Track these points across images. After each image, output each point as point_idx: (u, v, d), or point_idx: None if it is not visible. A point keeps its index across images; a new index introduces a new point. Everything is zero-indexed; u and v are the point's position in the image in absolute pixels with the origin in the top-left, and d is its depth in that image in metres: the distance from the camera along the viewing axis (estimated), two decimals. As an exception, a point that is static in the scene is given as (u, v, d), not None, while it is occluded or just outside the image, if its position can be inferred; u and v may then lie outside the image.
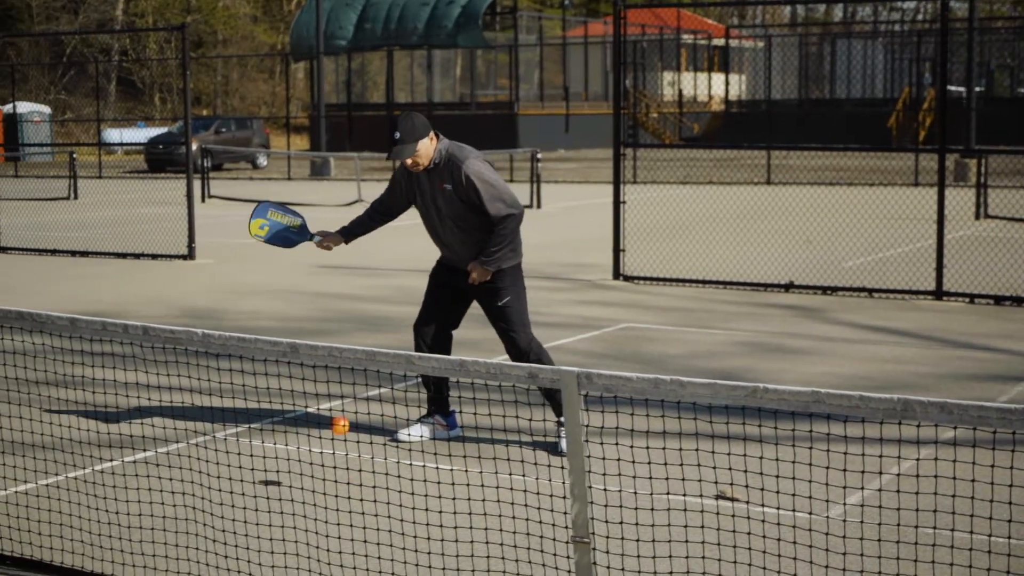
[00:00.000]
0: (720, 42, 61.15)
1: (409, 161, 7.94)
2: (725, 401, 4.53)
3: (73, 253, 19.67)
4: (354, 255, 19.25)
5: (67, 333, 5.76)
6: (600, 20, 65.66)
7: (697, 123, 56.97)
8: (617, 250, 16.09)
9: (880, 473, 5.30)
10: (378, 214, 8.45)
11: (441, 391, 8.22)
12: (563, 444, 7.88)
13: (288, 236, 8.26)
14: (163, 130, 49.47)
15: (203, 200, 30.00)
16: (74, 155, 32.82)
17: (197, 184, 27.97)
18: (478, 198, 7.90)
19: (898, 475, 5.82)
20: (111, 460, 7.47)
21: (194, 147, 33.01)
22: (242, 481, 6.30)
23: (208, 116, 54.90)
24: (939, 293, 14.34)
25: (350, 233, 8.39)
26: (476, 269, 8.02)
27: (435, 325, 8.24)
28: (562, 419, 7.97)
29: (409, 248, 19.48)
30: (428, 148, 7.92)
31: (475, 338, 11.03)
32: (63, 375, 7.25)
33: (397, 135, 7.89)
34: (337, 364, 5.20)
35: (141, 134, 50.31)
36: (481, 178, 7.91)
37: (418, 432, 8.17)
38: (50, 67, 60.43)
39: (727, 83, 53.78)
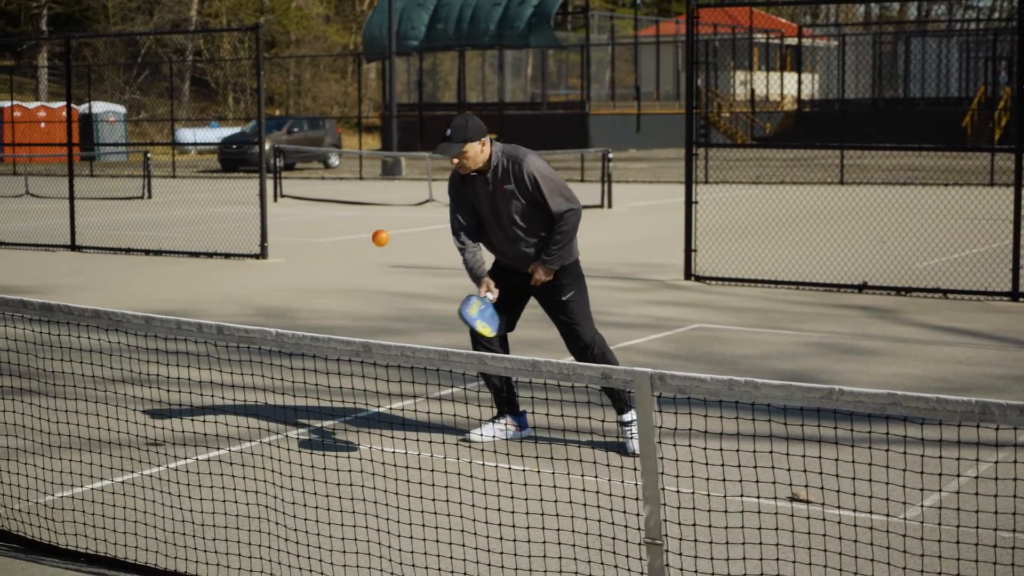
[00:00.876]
0: (793, 41, 60.78)
1: (455, 160, 7.96)
2: (800, 403, 4.49)
3: (147, 252, 19.85)
4: (426, 255, 19.30)
5: (142, 332, 5.81)
6: (672, 19, 65.46)
7: (769, 123, 56.65)
8: (689, 250, 16.02)
9: (957, 476, 5.24)
10: (474, 237, 8.25)
11: (508, 391, 8.21)
12: (633, 444, 7.86)
13: (492, 312, 8.17)
14: (236, 130, 49.87)
15: (275, 199, 30.21)
16: (148, 155, 33.16)
17: (270, 184, 28.19)
18: (540, 194, 7.94)
19: (976, 477, 5.75)
20: (185, 458, 7.53)
21: (267, 147, 33.23)
22: (314, 480, 6.33)
23: (281, 116, 55.29)
24: (1015, 294, 14.16)
25: (485, 272, 8.23)
26: (538, 269, 8.03)
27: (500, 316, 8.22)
28: (624, 418, 7.97)
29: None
30: (476, 151, 7.95)
31: (542, 338, 11.02)
32: (138, 373, 7.31)
33: (448, 132, 7.93)
34: (410, 364, 5.20)
35: (214, 134, 50.74)
36: (542, 174, 7.96)
37: (490, 432, 8.17)
38: (125, 67, 61.08)
39: (799, 82, 53.44)
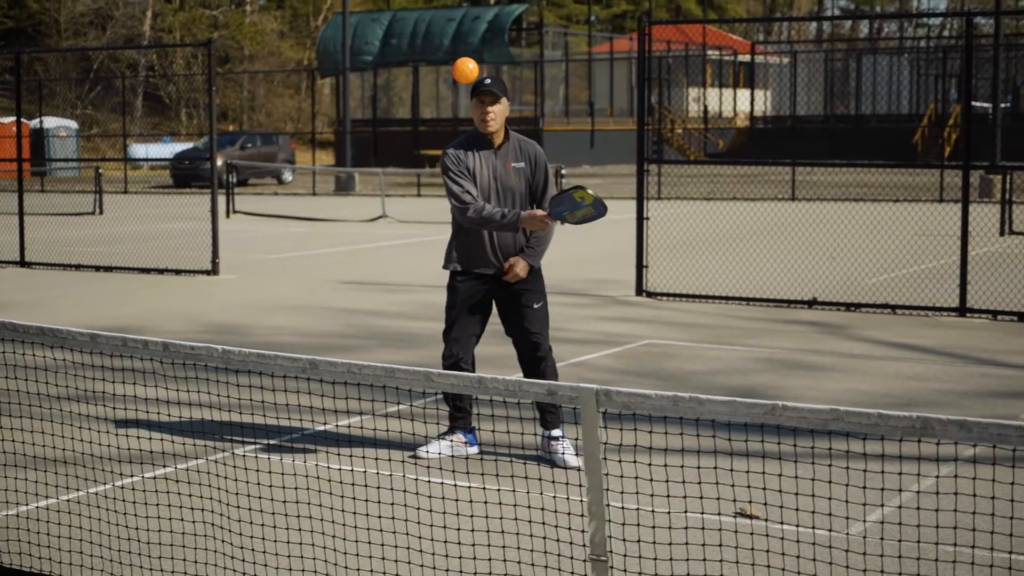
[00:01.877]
0: (745, 58, 61.14)
1: (489, 110, 7.94)
2: (744, 418, 4.52)
3: (97, 268, 19.74)
4: (378, 272, 19.29)
5: (88, 349, 5.78)
6: (626, 36, 65.72)
7: (722, 139, 56.93)
8: (640, 266, 16.07)
9: (900, 491, 5.28)
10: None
11: (466, 407, 8.21)
12: (567, 457, 7.92)
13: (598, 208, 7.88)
14: (189, 145, 49.67)
15: (228, 215, 30.10)
16: (100, 170, 32.99)
17: (222, 199, 28.10)
18: (545, 179, 8.09)
19: (918, 492, 5.80)
20: (131, 476, 7.49)
21: (219, 162, 33.13)
22: (260, 498, 6.31)
23: (234, 131, 55.07)
24: (962, 310, 14.29)
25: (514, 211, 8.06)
26: (520, 263, 8.05)
27: (470, 337, 8.22)
28: (553, 433, 8.01)
29: (432, 263, 19.48)
30: (505, 108, 8.04)
31: (492, 355, 11.03)
32: (84, 390, 7.29)
33: (488, 81, 7.94)
34: (356, 381, 5.20)
35: (167, 149, 50.53)
36: (548, 164, 8.18)
37: (436, 449, 8.16)
38: (77, 82, 60.76)
39: (752, 99, 53.72)
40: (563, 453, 7.99)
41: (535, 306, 8.13)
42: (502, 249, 8.11)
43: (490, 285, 8.18)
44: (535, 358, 8.14)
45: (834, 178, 40.95)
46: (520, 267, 8.04)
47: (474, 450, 8.24)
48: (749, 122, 56.70)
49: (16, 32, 65.11)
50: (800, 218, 24.52)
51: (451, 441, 8.22)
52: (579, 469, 7.60)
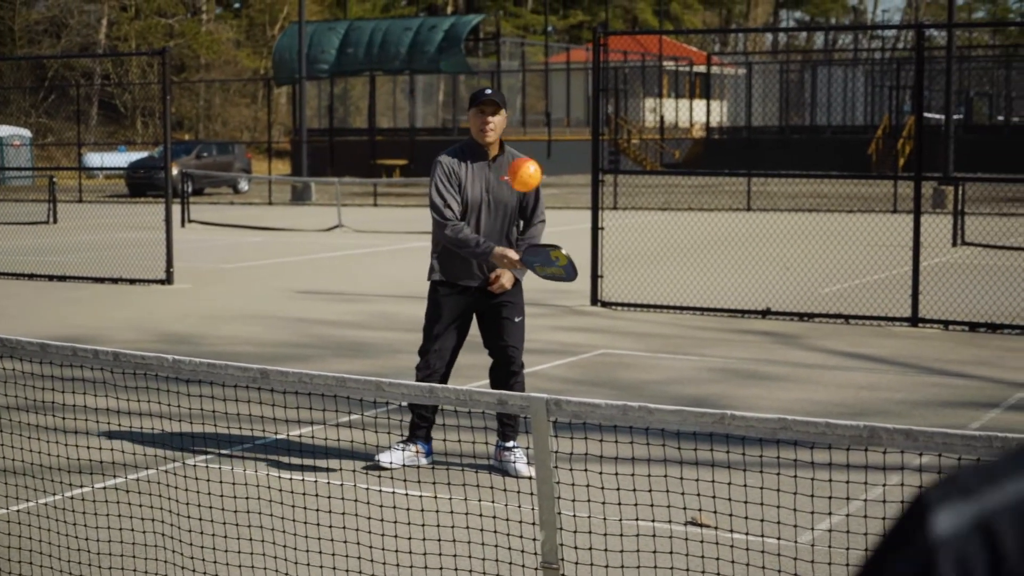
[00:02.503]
0: (702, 69, 61.40)
1: (490, 120, 7.94)
2: (693, 428, 4.55)
3: (51, 277, 19.63)
4: (334, 281, 19.25)
5: (37, 358, 5.76)
6: (583, 47, 65.86)
7: (678, 150, 57.12)
8: (595, 276, 16.11)
9: (848, 499, 5.33)
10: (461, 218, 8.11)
11: (429, 417, 8.17)
12: (518, 466, 7.95)
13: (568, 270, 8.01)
14: (144, 154, 49.44)
15: (183, 225, 29.98)
16: (54, 179, 32.79)
17: (177, 209, 27.98)
18: (536, 196, 8.13)
19: (866, 501, 5.84)
20: (81, 486, 7.45)
21: (175, 171, 32.99)
22: (211, 508, 6.30)
23: (190, 140, 54.90)
24: (914, 320, 14.40)
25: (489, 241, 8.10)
26: (506, 275, 8.05)
27: (449, 350, 8.18)
28: (508, 444, 8.04)
29: (388, 273, 19.49)
30: (503, 121, 8.06)
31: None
32: (34, 400, 7.24)
33: (488, 91, 7.98)
34: (308, 390, 5.21)
35: (122, 158, 50.28)
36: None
37: (397, 458, 8.12)
38: (31, 90, 60.38)
39: (708, 110, 53.99)
40: (515, 462, 8.02)
41: (516, 319, 8.15)
42: (488, 262, 8.09)
43: (473, 297, 8.16)
44: (508, 372, 8.15)
45: (789, 189, 41.18)
46: (506, 278, 8.05)
47: (427, 461, 8.24)
48: (705, 133, 56.96)
49: (-31, 40, 64.67)
50: (755, 228, 24.66)
51: (412, 451, 8.21)
52: (531, 478, 7.62)
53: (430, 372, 8.08)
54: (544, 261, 7.82)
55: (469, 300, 8.16)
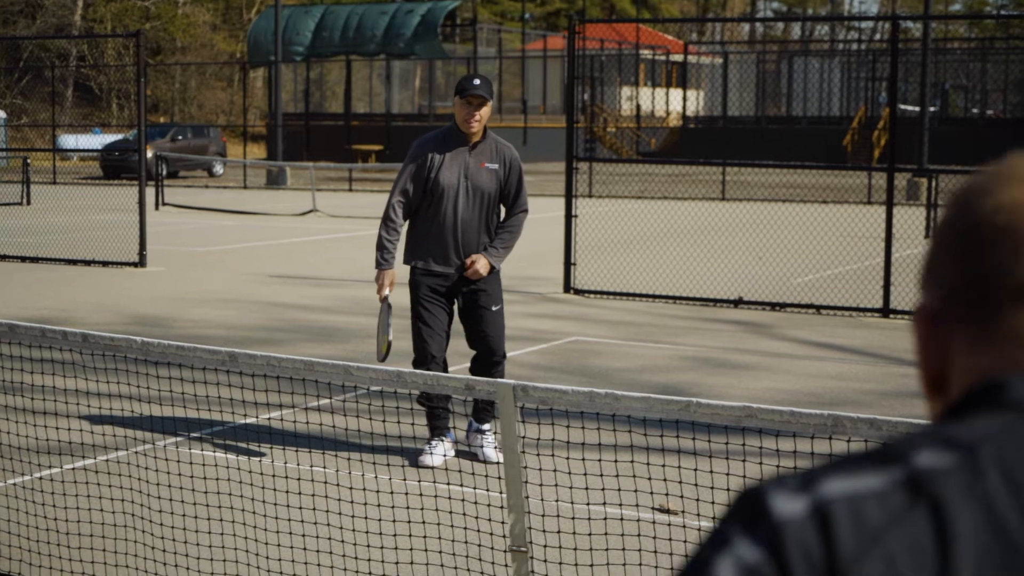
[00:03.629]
0: (679, 58, 61.45)
1: (476, 113, 7.95)
2: (659, 415, 4.58)
3: (23, 259, 19.57)
4: (307, 265, 19.24)
5: (6, 339, 5.76)
6: (560, 34, 65.81)
7: (654, 138, 57.17)
8: (568, 263, 16.14)
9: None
10: (402, 221, 8.13)
11: (446, 409, 8.07)
12: (487, 451, 7.98)
13: (388, 322, 8.23)
14: (119, 136, 49.26)
15: (157, 207, 29.90)
16: (28, 160, 32.66)
17: (151, 191, 27.90)
18: (518, 184, 8.12)
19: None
20: (50, 467, 7.45)
21: (149, 154, 32.88)
22: (181, 488, 6.32)
23: (165, 123, 54.70)
24: (886, 311, 14.48)
25: (393, 262, 8.17)
26: (481, 260, 7.99)
27: (440, 332, 8.09)
28: (483, 427, 8.07)
29: (363, 258, 19.46)
30: (489, 112, 8.10)
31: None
32: (2, 381, 7.24)
33: (477, 81, 7.96)
34: (276, 373, 5.23)
35: (97, 140, 50.08)
36: (521, 167, 8.22)
37: (440, 452, 8.05)
38: (6, 71, 60.07)
39: (685, 99, 54.05)
40: (483, 447, 8.05)
41: (493, 308, 8.12)
42: (464, 248, 8.04)
43: (451, 283, 8.11)
44: (490, 362, 8.12)
45: (764, 179, 41.27)
46: (481, 264, 7.97)
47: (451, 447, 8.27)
48: (681, 122, 57.01)
49: (-56, 19, 64.32)
50: (729, 218, 24.73)
51: (448, 444, 8.13)
52: (499, 463, 7.64)
53: (429, 360, 7.96)
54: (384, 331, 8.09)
55: (448, 284, 8.11)
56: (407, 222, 8.18)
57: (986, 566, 1.13)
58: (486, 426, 8.11)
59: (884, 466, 1.17)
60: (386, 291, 8.04)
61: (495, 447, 7.99)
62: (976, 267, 1.22)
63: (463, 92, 7.93)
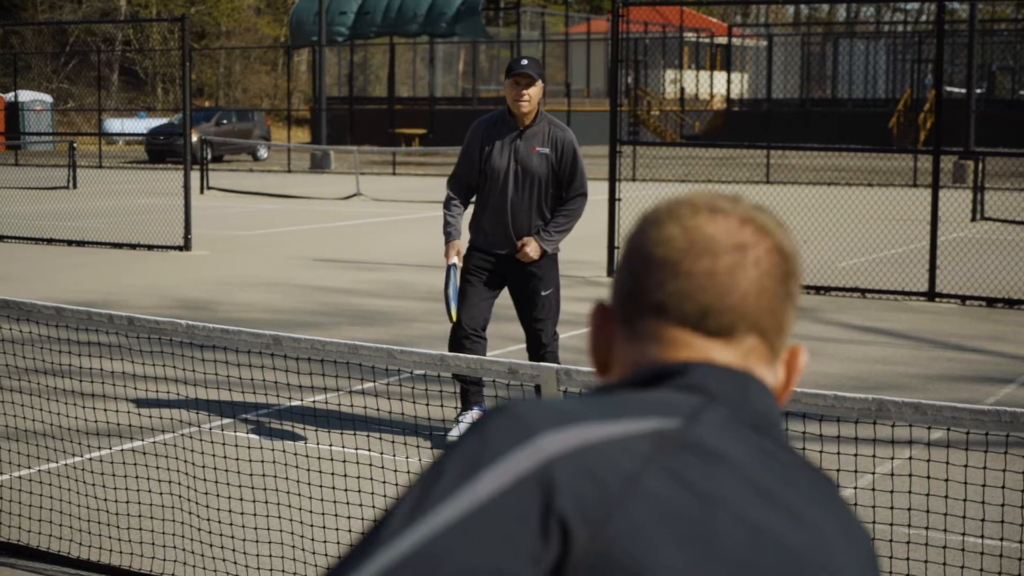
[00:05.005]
0: (723, 40, 61.18)
1: (525, 92, 7.88)
2: (702, 398, 4.57)
3: (70, 242, 19.72)
4: (352, 249, 19.30)
5: (53, 322, 5.81)
6: (604, 17, 65.63)
7: (698, 121, 56.97)
8: (612, 247, 16.14)
9: (856, 472, 5.36)
10: (463, 199, 8.21)
11: (479, 384, 8.16)
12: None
13: (455, 285, 8.22)
14: (164, 121, 49.50)
15: (202, 191, 30.05)
16: (74, 144, 32.88)
17: (196, 175, 28.05)
18: (572, 168, 8.00)
19: (874, 475, 5.87)
20: (99, 448, 7.52)
21: (194, 138, 33.04)
22: (227, 471, 6.37)
23: (210, 107, 54.92)
24: (931, 294, 14.39)
25: (460, 233, 8.20)
26: (533, 243, 7.95)
27: (477, 309, 8.09)
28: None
29: (407, 242, 19.52)
30: (539, 94, 7.96)
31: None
32: (52, 363, 7.31)
33: (525, 61, 7.90)
34: (320, 357, 5.25)
35: (142, 124, 50.34)
36: (578, 151, 8.10)
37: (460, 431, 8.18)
38: (53, 56, 60.46)
39: (729, 82, 53.84)
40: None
41: (543, 293, 8.05)
42: (516, 231, 8.03)
43: (505, 266, 8.11)
44: (538, 345, 8.08)
45: (809, 162, 41.08)
46: (531, 247, 7.94)
47: None
48: (725, 105, 56.79)
49: (-9, 5, 64.74)
50: (774, 201, 24.55)
51: (475, 414, 8.29)
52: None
53: (463, 335, 8.01)
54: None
55: (501, 268, 8.11)
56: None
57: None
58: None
59: (627, 418, 1.35)
60: (453, 259, 8.05)
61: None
62: (634, 284, 1.51)
63: (510, 71, 7.92)
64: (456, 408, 8.43)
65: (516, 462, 1.27)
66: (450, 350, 7.87)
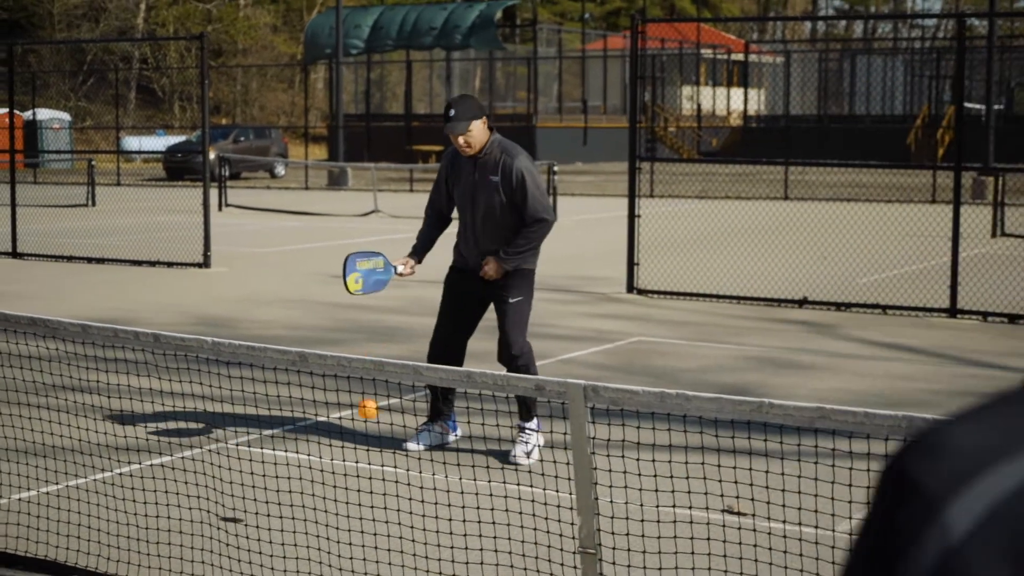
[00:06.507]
0: (740, 57, 61.21)
1: (461, 140, 8.00)
2: (731, 416, 4.57)
3: (89, 260, 19.77)
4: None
5: (79, 339, 5.82)
6: (620, 34, 65.73)
7: (716, 138, 56.98)
8: (631, 263, 16.12)
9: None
10: (435, 221, 8.54)
11: (448, 399, 8.36)
12: (517, 448, 8.00)
13: (379, 279, 8.35)
14: (182, 138, 49.64)
15: (220, 209, 30.11)
16: (93, 162, 32.99)
17: (214, 193, 28.11)
18: (522, 195, 8.05)
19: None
20: (129, 463, 7.54)
21: (212, 156, 33.12)
22: (254, 487, 6.37)
23: (227, 125, 55.08)
24: (953, 311, 14.35)
25: (420, 252, 8.50)
26: (491, 263, 8.13)
27: (451, 332, 8.33)
28: (528, 425, 8.11)
29: (425, 259, 19.51)
30: (480, 131, 8.03)
31: (482, 350, 11.08)
32: (78, 379, 7.32)
33: (452, 112, 7.98)
34: (346, 373, 5.26)
35: (160, 142, 50.50)
36: (530, 176, 8.10)
37: (425, 441, 8.29)
38: (71, 74, 60.69)
39: (746, 98, 53.83)
40: (517, 442, 8.11)
41: (510, 300, 8.19)
42: (483, 252, 8.23)
43: (478, 283, 8.28)
44: (505, 356, 8.20)
45: (827, 178, 41.04)
46: (490, 266, 8.14)
47: (455, 436, 8.49)
48: (743, 121, 56.79)
49: (10, 24, 65.01)
50: (792, 217, 24.59)
51: (437, 430, 8.41)
52: (524, 468, 7.68)
53: (435, 351, 8.25)
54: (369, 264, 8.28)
55: (475, 285, 8.29)
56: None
57: None
58: (528, 424, 8.14)
59: None
60: (400, 267, 8.32)
61: (525, 452, 8.02)
62: None
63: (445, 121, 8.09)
64: (489, 424, 8.42)
65: (922, 559, 1.04)
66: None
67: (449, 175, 8.32)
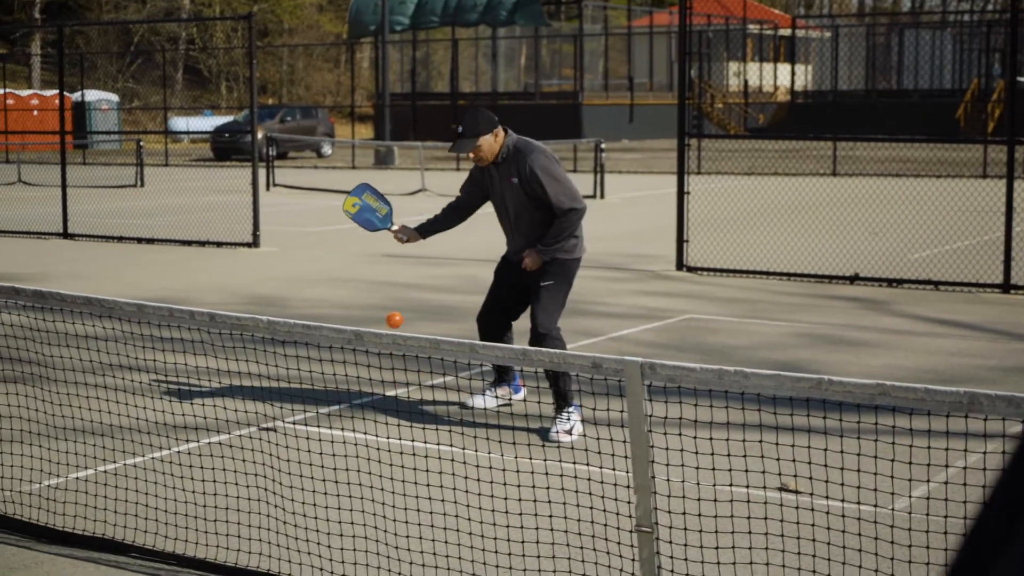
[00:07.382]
0: (786, 32, 60.80)
1: (471, 155, 8.29)
2: (789, 393, 4.54)
3: (139, 240, 19.88)
4: (420, 244, 19.33)
5: (135, 318, 5.85)
6: (665, 10, 65.44)
7: (763, 114, 56.68)
8: (681, 241, 16.06)
9: (946, 466, 5.30)
10: (454, 212, 8.75)
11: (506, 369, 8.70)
12: (555, 429, 7.98)
13: (372, 219, 8.52)
14: (229, 118, 49.80)
15: (268, 188, 30.21)
16: (141, 143, 33.16)
17: (262, 172, 28.20)
18: (542, 191, 8.23)
19: (964, 468, 5.81)
20: (187, 441, 7.57)
21: (260, 136, 33.22)
22: (311, 465, 6.39)
23: (274, 105, 55.22)
24: (1006, 286, 14.23)
25: (427, 231, 8.68)
26: (531, 255, 8.33)
27: (495, 315, 8.60)
28: (567, 408, 8.13)
29: (476, 238, 19.52)
30: (491, 144, 8.25)
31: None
32: (134, 359, 7.36)
33: (460, 129, 8.15)
34: (402, 352, 5.26)
35: (207, 122, 50.70)
36: (546, 171, 8.22)
37: (477, 401, 8.66)
38: (118, 56, 60.98)
39: (793, 73, 53.44)
40: (556, 422, 8.12)
41: (543, 284, 8.34)
42: (525, 243, 8.44)
43: (521, 273, 8.49)
44: (535, 335, 8.24)
45: (876, 153, 40.76)
46: (530, 258, 8.31)
47: (521, 395, 8.78)
48: (790, 96, 56.43)
49: (58, 6, 65.37)
50: (841, 193, 24.45)
51: (503, 392, 8.72)
52: (569, 445, 7.69)
53: (481, 331, 8.57)
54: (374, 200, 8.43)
55: (516, 275, 8.49)
56: None
57: None
58: (563, 414, 8.14)
59: None
60: (397, 228, 8.55)
61: (567, 430, 8.03)
62: None
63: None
64: (546, 403, 8.42)
65: None
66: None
67: (481, 177, 8.55)
